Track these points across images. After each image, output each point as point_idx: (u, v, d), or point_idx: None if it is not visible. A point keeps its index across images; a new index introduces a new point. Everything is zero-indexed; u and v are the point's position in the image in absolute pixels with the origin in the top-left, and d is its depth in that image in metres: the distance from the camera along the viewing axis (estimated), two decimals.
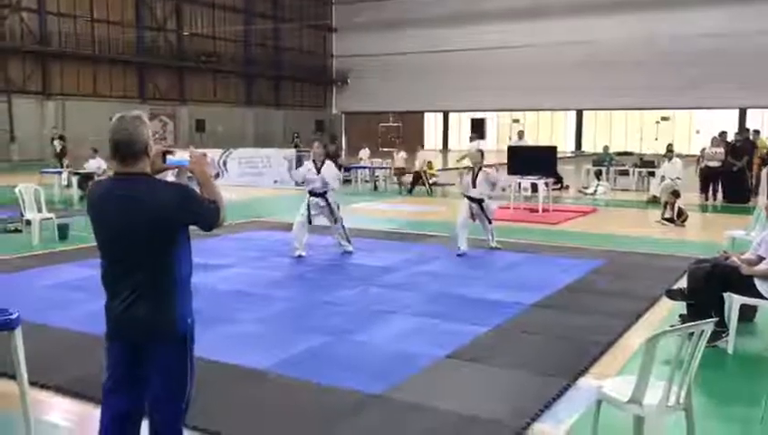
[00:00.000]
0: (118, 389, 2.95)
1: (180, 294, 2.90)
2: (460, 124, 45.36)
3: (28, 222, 10.42)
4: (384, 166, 21.43)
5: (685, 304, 5.84)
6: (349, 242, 9.22)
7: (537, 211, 13.56)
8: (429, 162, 19.27)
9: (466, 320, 6.08)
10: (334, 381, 4.63)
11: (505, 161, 15.66)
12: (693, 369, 3.32)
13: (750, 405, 4.53)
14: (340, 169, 21.39)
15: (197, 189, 2.96)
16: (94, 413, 3.18)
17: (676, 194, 12.74)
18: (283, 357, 5.14)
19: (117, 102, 32.46)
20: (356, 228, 11.70)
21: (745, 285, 5.33)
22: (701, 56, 36.58)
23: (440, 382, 4.72)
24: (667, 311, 6.31)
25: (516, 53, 40.84)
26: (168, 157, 2.99)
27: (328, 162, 9.16)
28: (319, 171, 8.95)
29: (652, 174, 18.18)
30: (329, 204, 8.98)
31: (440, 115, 48.76)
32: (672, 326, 4.59)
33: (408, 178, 19.12)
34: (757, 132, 17.67)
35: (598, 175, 19.29)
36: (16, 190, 10.49)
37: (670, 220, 12.37)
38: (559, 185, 17.95)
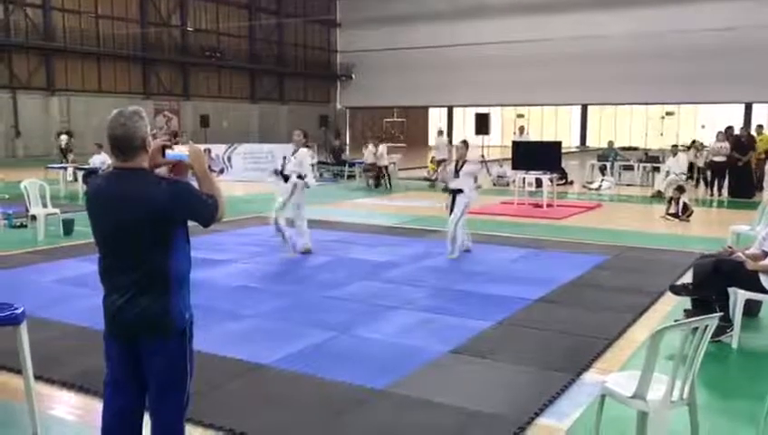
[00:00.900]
0: (118, 385, 2.96)
1: (178, 289, 2.89)
2: (465, 119, 45.28)
3: (33, 217, 10.48)
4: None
5: (689, 299, 5.83)
6: (305, 244, 8.96)
7: (541, 206, 13.54)
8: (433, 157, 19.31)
9: (470, 315, 6.08)
10: (338, 376, 4.63)
11: (509, 156, 15.63)
12: (697, 364, 3.31)
13: (754, 400, 4.51)
14: (343, 165, 21.44)
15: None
16: (98, 407, 3.19)
17: (680, 189, 12.72)
18: (286, 352, 5.15)
19: (121, 98, 32.49)
20: (359, 223, 11.73)
21: (750, 281, 5.31)
22: (707, 51, 36.43)
23: (444, 377, 4.72)
24: (672, 306, 6.30)
25: (521, 47, 40.70)
26: (167, 151, 2.98)
27: (302, 150, 9.01)
28: (294, 156, 8.90)
29: (657, 169, 18.14)
30: (294, 190, 8.82)
31: (444, 110, 48.69)
32: (676, 321, 4.59)
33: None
34: (761, 127, 17.58)
35: (602, 170, 19.26)
36: (22, 186, 10.53)
37: (675, 215, 12.35)
38: (563, 180, 17.93)
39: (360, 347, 5.31)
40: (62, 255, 8.88)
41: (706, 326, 3.26)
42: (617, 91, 39.57)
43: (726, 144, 16.07)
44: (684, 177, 15.71)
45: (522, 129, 20.57)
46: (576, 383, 4.58)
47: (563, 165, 17.06)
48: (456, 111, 47.95)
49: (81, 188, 15.86)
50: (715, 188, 16.30)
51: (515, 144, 15.50)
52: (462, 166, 9.02)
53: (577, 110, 44.70)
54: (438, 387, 4.50)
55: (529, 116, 43.83)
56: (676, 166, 16.35)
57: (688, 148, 18.09)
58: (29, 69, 32.14)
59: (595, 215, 13.23)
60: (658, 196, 15.36)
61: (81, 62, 34.17)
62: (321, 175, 21.29)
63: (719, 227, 10.47)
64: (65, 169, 17.75)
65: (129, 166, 2.84)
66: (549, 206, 13.59)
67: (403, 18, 44.74)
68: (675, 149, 17.09)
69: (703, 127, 39.18)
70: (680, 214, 12.32)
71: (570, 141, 39.56)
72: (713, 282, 5.48)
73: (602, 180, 18.19)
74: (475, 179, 9.27)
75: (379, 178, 18.72)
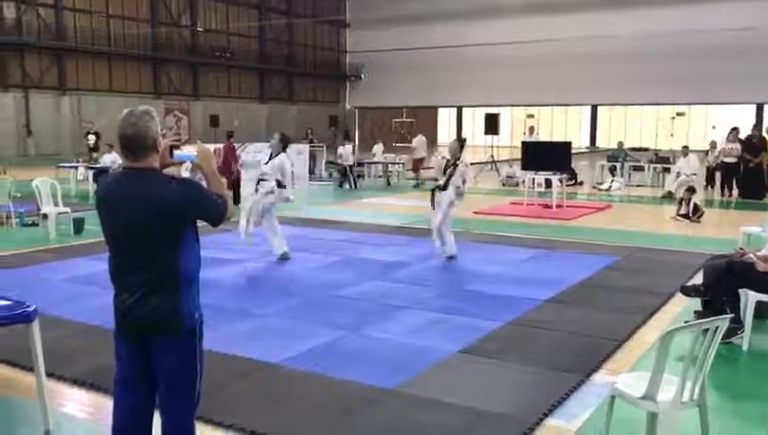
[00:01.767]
0: (128, 383, 2.97)
1: (188, 288, 2.90)
2: (474, 119, 45.22)
3: (45, 216, 10.55)
4: (397, 161, 21.50)
5: (700, 300, 5.81)
6: (282, 248, 8.68)
7: (551, 207, 13.50)
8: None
9: (480, 315, 6.08)
10: (347, 376, 4.64)
11: (519, 156, 15.61)
12: (707, 365, 3.30)
13: (764, 402, 4.50)
14: (351, 167, 21.44)
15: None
16: (109, 405, 3.21)
17: (691, 190, 12.65)
18: (296, 351, 5.16)
19: (132, 97, 32.63)
20: (368, 223, 11.74)
21: (761, 282, 5.29)
22: (721, 51, 36.21)
23: (453, 377, 4.72)
24: (682, 307, 6.28)
25: (531, 47, 40.61)
26: (176, 151, 2.99)
27: (281, 155, 8.65)
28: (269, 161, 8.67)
29: (667, 170, 18.06)
30: (269, 193, 8.55)
31: (454, 110, 48.64)
32: (687, 322, 4.57)
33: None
34: None
35: (612, 171, 19.18)
36: (33, 185, 10.61)
37: (685, 216, 12.29)
38: (573, 181, 17.88)
39: (370, 347, 5.32)
40: (72, 253, 8.94)
41: (717, 328, 3.24)
42: (627, 91, 39.42)
43: (737, 145, 15.98)
44: (695, 177, 15.61)
45: (531, 129, 20.55)
46: (586, 384, 4.56)
47: (573, 165, 17.01)
48: (465, 111, 47.90)
49: (91, 187, 15.95)
50: (726, 189, 16.21)
51: (525, 144, 15.47)
52: (455, 165, 8.68)
53: (587, 110, 44.56)
54: (448, 387, 4.50)
55: (539, 116, 43.74)
56: (687, 167, 16.27)
57: (706, 153, 17.84)
58: (41, 68, 32.37)
59: (605, 216, 13.18)
60: (669, 196, 15.29)
61: (92, 61, 34.38)
62: (330, 175, 21.33)
63: (730, 229, 10.41)
64: (76, 168, 17.84)
65: (139, 166, 2.84)
66: (558, 206, 13.55)
67: (412, 18, 44.74)
68: (685, 150, 17.01)
69: (714, 128, 38.94)
70: (691, 215, 12.26)
71: (579, 142, 39.42)
72: (724, 283, 5.45)
73: (612, 181, 18.12)
74: (464, 181, 8.84)
75: (344, 177, 18.81)
